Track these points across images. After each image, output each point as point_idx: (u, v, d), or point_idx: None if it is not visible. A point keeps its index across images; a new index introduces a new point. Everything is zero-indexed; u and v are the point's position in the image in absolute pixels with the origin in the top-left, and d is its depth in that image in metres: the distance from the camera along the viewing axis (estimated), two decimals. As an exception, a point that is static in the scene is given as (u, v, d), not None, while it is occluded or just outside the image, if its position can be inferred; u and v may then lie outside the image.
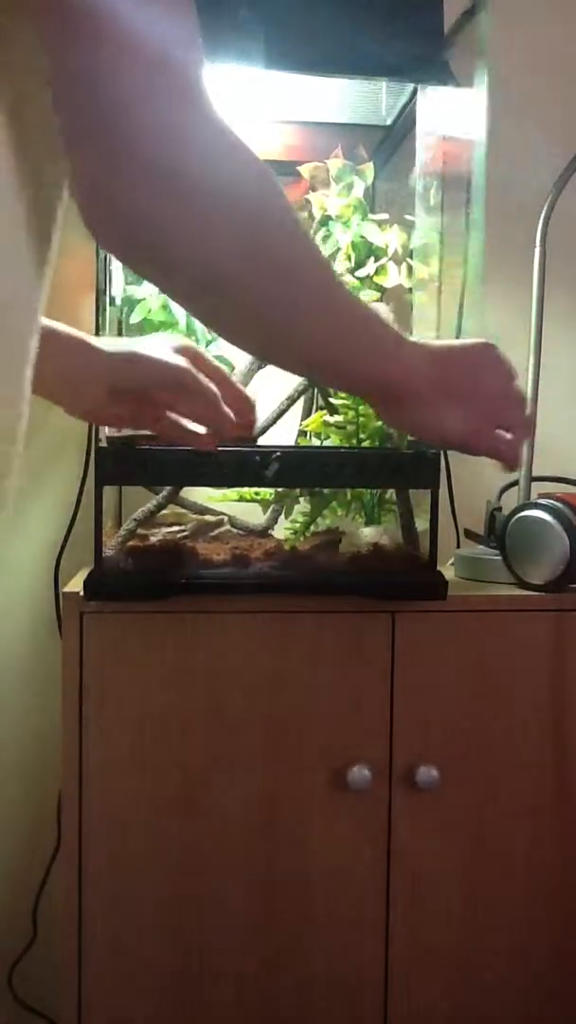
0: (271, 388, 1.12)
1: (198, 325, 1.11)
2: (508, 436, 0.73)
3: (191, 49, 0.50)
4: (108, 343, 0.83)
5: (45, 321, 0.62)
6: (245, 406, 0.90)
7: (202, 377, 0.83)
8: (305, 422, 1.18)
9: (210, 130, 0.53)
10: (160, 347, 0.84)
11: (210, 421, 0.87)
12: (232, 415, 0.86)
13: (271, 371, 1.11)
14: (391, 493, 1.19)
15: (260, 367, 1.10)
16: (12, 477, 0.56)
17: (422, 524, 1.13)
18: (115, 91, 0.48)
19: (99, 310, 1.03)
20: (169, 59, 0.49)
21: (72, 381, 0.81)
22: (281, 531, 1.21)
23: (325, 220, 1.20)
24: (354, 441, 1.13)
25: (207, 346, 1.12)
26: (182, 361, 0.83)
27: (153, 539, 1.10)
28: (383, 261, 1.18)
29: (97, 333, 1.03)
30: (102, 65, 0.47)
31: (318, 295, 0.60)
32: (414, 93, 1.12)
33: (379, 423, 1.13)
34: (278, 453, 1.03)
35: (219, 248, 0.53)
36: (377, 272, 1.17)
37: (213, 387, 0.84)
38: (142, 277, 0.55)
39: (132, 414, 0.88)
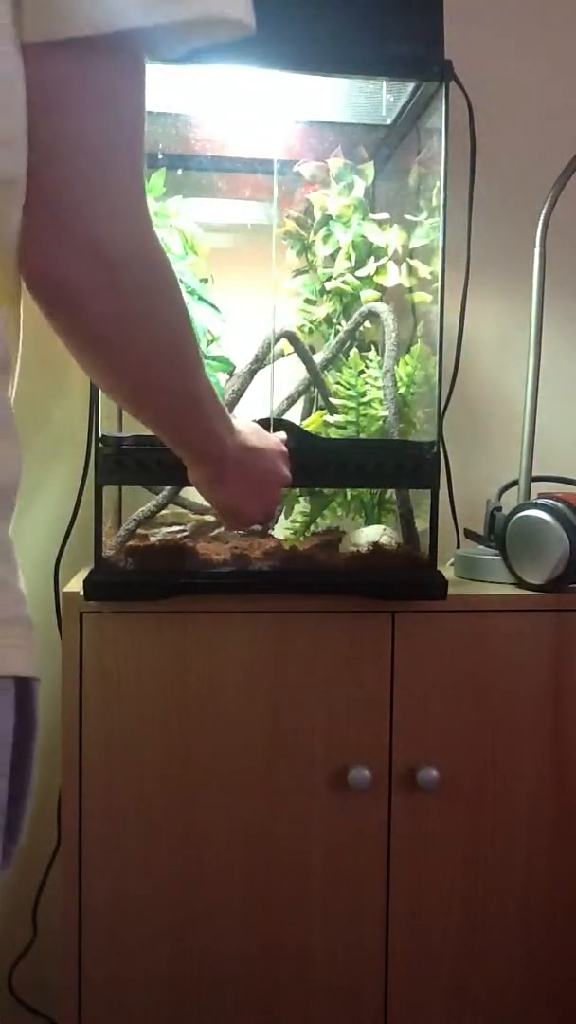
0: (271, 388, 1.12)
1: (198, 325, 1.10)
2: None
3: (138, 161, 0.58)
4: None
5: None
6: None
7: None
8: (305, 422, 1.18)
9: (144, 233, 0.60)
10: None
11: None
12: None
13: (271, 371, 1.11)
14: (391, 493, 1.19)
15: (260, 367, 1.10)
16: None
17: (422, 524, 1.13)
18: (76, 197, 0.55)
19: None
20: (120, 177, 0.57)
21: None
22: (281, 531, 1.21)
23: (325, 220, 1.20)
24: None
25: (208, 346, 1.12)
26: None
27: (153, 539, 1.10)
28: (383, 261, 1.18)
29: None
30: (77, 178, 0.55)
31: (191, 375, 0.70)
32: (414, 93, 1.12)
33: (379, 423, 1.14)
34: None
35: (117, 316, 0.61)
36: (377, 272, 1.17)
37: None
38: (49, 318, 0.63)
39: None
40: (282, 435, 0.98)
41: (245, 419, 0.88)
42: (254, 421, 1.04)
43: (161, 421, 0.75)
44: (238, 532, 1.10)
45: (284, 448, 0.92)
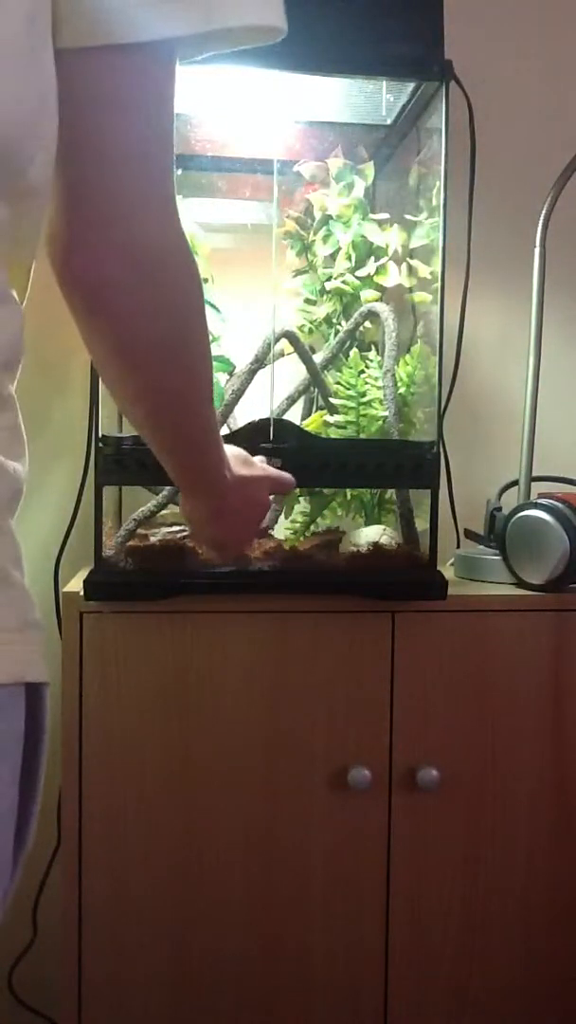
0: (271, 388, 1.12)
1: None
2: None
3: (170, 169, 0.59)
4: None
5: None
6: None
7: None
8: (305, 422, 1.18)
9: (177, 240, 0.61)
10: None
11: None
12: None
13: (271, 371, 1.11)
14: (391, 493, 1.19)
15: (260, 367, 1.10)
16: None
17: (422, 524, 1.13)
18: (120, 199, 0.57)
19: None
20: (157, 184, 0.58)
21: None
22: (281, 531, 1.21)
23: (325, 220, 1.20)
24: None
25: (207, 346, 1.12)
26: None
27: (153, 539, 1.10)
28: (383, 261, 1.18)
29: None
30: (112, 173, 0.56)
31: (209, 394, 0.69)
32: (414, 93, 1.12)
33: (379, 423, 1.14)
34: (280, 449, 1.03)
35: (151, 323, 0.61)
36: (377, 272, 1.17)
37: None
38: (83, 325, 0.64)
39: None
40: (261, 458, 0.96)
41: (228, 447, 0.86)
42: (253, 422, 1.05)
43: (180, 446, 0.73)
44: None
45: (267, 470, 0.89)
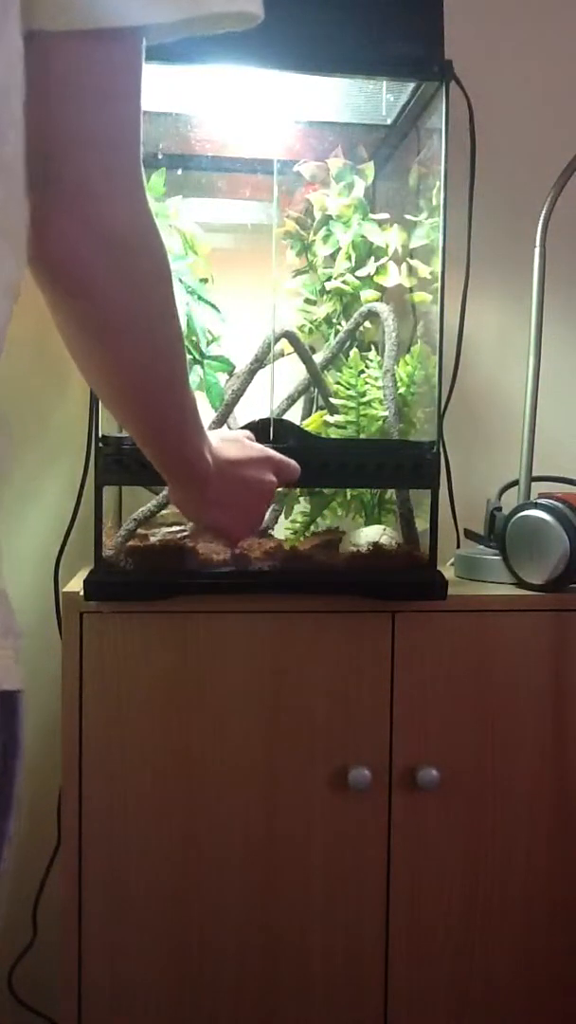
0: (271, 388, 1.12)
1: (198, 325, 1.11)
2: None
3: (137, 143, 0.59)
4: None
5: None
6: None
7: None
8: (305, 422, 1.18)
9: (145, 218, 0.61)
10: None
11: None
12: None
13: (271, 371, 1.11)
14: (391, 493, 1.19)
15: (260, 367, 1.10)
16: None
17: (422, 524, 1.13)
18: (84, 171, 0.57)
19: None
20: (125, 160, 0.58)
21: None
22: (281, 531, 1.21)
23: (325, 220, 1.20)
24: (354, 441, 1.13)
25: (208, 346, 1.12)
26: None
27: (153, 539, 1.10)
28: (383, 261, 1.18)
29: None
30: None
31: (183, 375, 0.70)
32: (414, 93, 1.12)
33: (379, 423, 1.14)
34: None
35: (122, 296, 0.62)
36: (377, 272, 1.17)
37: None
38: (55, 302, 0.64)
39: None
40: (249, 434, 0.93)
41: (221, 431, 0.85)
42: (253, 422, 1.05)
43: (153, 428, 0.73)
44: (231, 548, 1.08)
45: (268, 452, 0.87)
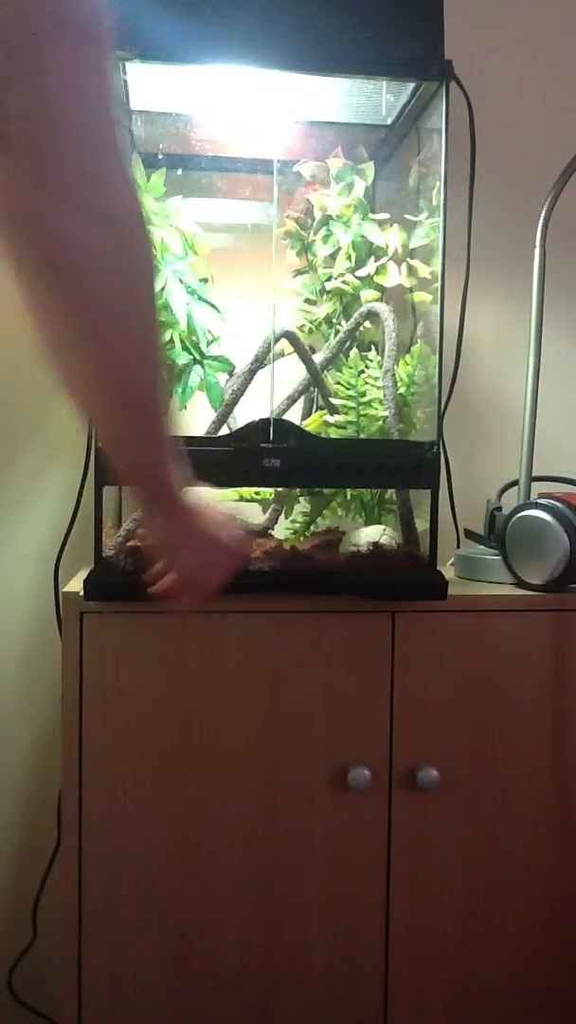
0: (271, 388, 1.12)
1: (198, 325, 1.11)
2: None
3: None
4: None
5: None
6: None
7: None
8: (305, 422, 1.18)
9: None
10: None
11: None
12: None
13: (271, 371, 1.11)
14: (391, 493, 1.19)
15: (260, 367, 1.10)
16: None
17: (422, 524, 1.13)
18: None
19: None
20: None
21: None
22: (281, 531, 1.21)
23: (325, 220, 1.20)
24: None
25: (208, 346, 1.12)
26: None
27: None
28: (383, 261, 1.18)
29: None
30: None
31: (159, 372, 0.70)
32: (414, 93, 1.12)
33: (379, 423, 1.14)
34: (281, 449, 1.03)
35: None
36: (377, 272, 1.17)
37: None
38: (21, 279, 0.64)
39: None
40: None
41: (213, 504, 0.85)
42: (253, 422, 1.04)
43: (124, 416, 0.72)
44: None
45: (232, 542, 0.88)
